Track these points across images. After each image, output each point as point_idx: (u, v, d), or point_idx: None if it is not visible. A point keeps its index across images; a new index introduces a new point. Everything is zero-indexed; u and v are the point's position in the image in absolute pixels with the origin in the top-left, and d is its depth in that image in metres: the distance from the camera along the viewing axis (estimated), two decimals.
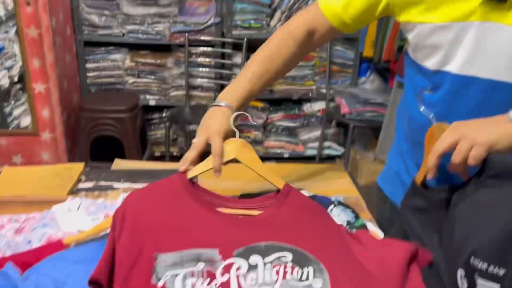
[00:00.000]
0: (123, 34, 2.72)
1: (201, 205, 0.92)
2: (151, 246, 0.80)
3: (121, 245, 0.78)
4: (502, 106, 0.83)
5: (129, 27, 2.69)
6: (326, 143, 3.12)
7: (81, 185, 1.23)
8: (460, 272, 0.70)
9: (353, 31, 1.03)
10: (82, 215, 1.00)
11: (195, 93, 2.87)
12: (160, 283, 0.74)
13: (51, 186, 1.22)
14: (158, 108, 2.96)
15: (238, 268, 0.78)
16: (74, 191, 1.18)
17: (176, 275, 0.75)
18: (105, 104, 2.55)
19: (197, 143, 0.94)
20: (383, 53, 2.69)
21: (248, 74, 1.03)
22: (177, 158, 2.75)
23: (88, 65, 2.79)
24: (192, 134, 2.83)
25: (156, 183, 0.93)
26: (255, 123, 2.93)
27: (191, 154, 0.92)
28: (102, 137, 2.57)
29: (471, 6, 0.84)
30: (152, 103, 2.87)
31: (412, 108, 0.99)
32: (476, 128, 0.76)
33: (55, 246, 0.87)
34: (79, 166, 1.33)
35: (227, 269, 0.78)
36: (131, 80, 2.84)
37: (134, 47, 2.80)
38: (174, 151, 2.98)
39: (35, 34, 2.27)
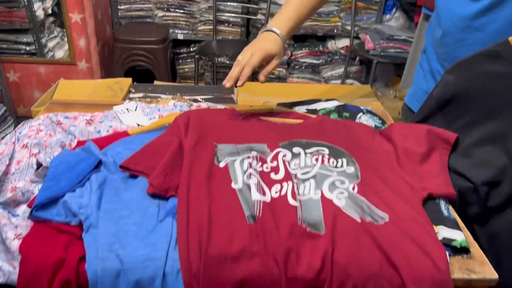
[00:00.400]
0: None
1: (250, 116, 1.07)
2: (212, 139, 0.94)
3: (188, 140, 0.92)
4: None
5: None
6: (348, 81, 3.19)
7: (132, 95, 1.36)
8: None
9: None
10: (140, 114, 1.13)
11: (222, 28, 2.94)
12: (222, 164, 0.88)
13: (104, 96, 1.36)
14: (186, 43, 3.04)
15: (284, 156, 0.92)
16: (126, 100, 1.31)
17: (235, 160, 0.89)
18: (138, 35, 2.64)
19: (241, 59, 1.02)
20: None
21: (294, 4, 1.10)
22: None
23: None
24: (218, 66, 2.93)
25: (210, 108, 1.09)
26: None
27: (235, 70, 1.01)
28: (134, 70, 2.69)
29: None
30: (180, 37, 2.95)
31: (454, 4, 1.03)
32: None
33: (121, 135, 1.01)
34: (127, 80, 1.46)
35: (275, 157, 0.92)
36: (160, 13, 2.91)
37: None
38: (201, 84, 3.09)
39: None
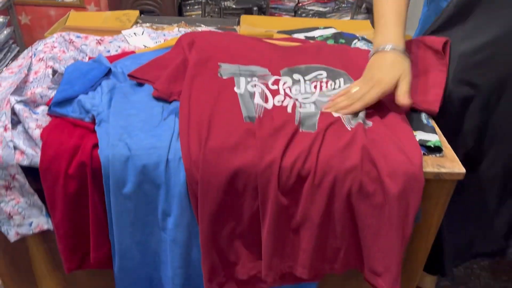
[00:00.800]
0: None
1: (252, 38, 1.12)
2: (215, 59, 1.01)
3: (193, 56, 0.99)
4: None
5: None
6: None
7: (138, 26, 1.42)
8: None
9: None
10: (146, 38, 1.20)
11: None
12: (225, 77, 0.95)
13: (113, 26, 1.42)
14: None
15: (284, 83, 0.98)
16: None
17: (239, 75, 0.96)
18: None
19: (356, 92, 0.88)
20: None
21: (390, 7, 0.93)
22: None
23: None
24: (225, 12, 2.94)
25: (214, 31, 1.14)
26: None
27: (343, 103, 0.89)
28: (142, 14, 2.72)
29: None
30: None
31: None
32: None
33: (130, 54, 1.09)
34: (135, 12, 1.52)
35: (276, 82, 0.98)
36: None
37: None
38: None
39: None
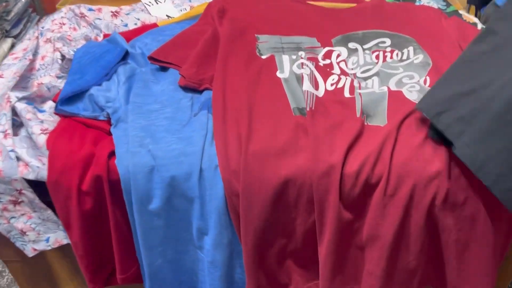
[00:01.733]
0: None
1: (296, 0, 0.92)
2: (252, 29, 0.82)
3: (224, 28, 0.81)
4: None
5: None
6: None
7: None
8: None
9: None
10: (169, 5, 1.02)
11: None
12: (265, 56, 0.77)
13: None
14: None
15: (338, 55, 0.79)
16: None
17: (282, 53, 0.78)
18: None
19: None
20: None
21: None
22: None
23: None
24: None
25: None
26: None
27: None
28: None
29: None
30: None
31: None
32: None
33: (150, 27, 0.91)
34: None
35: (327, 55, 0.80)
36: None
37: None
38: None
39: None
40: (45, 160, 0.64)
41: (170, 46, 0.78)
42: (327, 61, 0.78)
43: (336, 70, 0.77)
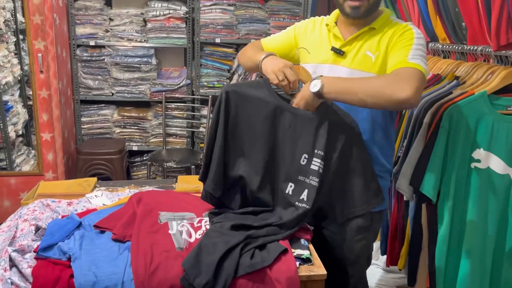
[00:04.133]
0: (112, 94, 3.40)
1: (184, 193, 1.58)
2: (156, 209, 1.43)
3: (140, 209, 1.41)
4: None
5: (117, 88, 3.38)
6: None
7: (97, 189, 1.84)
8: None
9: None
10: (105, 198, 1.61)
11: (170, 139, 3.53)
12: (163, 221, 1.37)
13: (77, 191, 1.83)
14: (140, 153, 3.59)
15: (206, 221, 1.41)
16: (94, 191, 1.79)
17: (173, 220, 1.38)
18: (98, 148, 3.17)
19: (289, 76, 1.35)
20: None
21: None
22: None
23: (83, 119, 3.43)
24: (167, 170, 3.44)
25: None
26: None
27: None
28: (95, 175, 3.16)
29: (328, 55, 1.48)
30: (135, 148, 3.50)
31: None
32: None
33: (93, 210, 1.48)
34: (93, 179, 1.95)
35: (199, 221, 1.41)
36: (118, 130, 3.49)
37: (121, 104, 3.48)
38: None
39: (46, 95, 2.93)
40: (29, 283, 1.11)
41: (107, 219, 1.35)
42: (199, 224, 1.38)
43: (203, 228, 1.36)
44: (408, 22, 1.44)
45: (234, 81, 3.51)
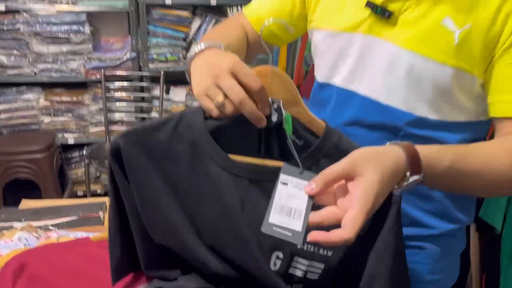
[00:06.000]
0: (35, 73, 2.66)
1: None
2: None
3: None
4: (372, 128, 0.82)
5: (41, 66, 2.65)
6: None
7: None
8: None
9: (280, 42, 0.99)
10: None
11: (116, 128, 2.84)
12: None
13: None
14: (78, 146, 2.88)
15: None
16: None
17: None
18: (18, 145, 2.46)
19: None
20: (293, 78, 2.84)
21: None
22: (101, 196, 2.68)
23: None
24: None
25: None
26: None
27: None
28: (18, 182, 2.46)
29: (360, 17, 0.80)
30: (71, 141, 2.80)
31: None
32: None
33: None
34: None
35: None
36: (47, 119, 2.77)
37: (47, 86, 2.74)
38: (98, 188, 2.91)
39: None
40: None
41: None
42: None
43: None
44: None
45: (192, 52, 2.82)
